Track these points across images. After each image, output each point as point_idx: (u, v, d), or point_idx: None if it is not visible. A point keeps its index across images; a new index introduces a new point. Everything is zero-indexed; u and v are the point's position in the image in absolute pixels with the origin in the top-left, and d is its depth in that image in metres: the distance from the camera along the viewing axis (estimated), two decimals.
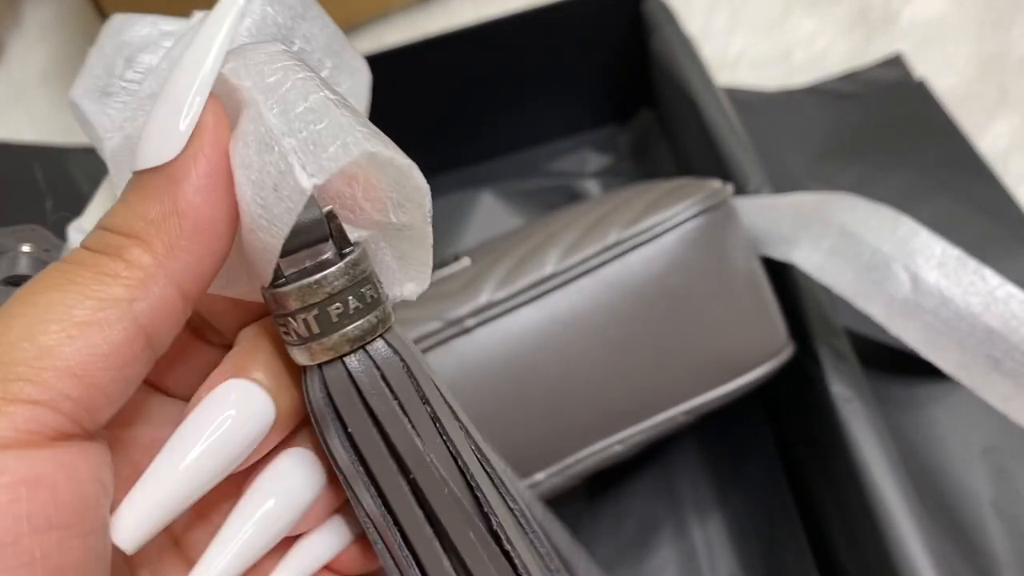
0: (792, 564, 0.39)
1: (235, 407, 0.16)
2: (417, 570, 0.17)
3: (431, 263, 0.18)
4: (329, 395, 0.17)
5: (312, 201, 0.16)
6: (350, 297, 0.16)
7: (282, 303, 0.16)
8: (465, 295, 0.33)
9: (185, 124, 0.15)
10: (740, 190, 0.39)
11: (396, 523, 0.17)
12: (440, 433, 0.17)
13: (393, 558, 0.17)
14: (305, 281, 0.16)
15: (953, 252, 0.32)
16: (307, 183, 0.15)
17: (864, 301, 0.33)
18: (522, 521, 0.17)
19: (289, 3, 0.18)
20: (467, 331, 0.33)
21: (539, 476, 0.34)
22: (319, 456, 0.18)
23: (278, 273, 0.16)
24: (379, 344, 0.17)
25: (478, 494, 0.17)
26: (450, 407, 0.18)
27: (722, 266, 0.34)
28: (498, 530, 0.17)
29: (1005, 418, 0.32)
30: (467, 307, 0.33)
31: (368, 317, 0.16)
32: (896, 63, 0.53)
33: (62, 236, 0.32)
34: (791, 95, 0.53)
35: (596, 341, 0.33)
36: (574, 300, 0.33)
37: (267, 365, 0.17)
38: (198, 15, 0.21)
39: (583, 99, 0.52)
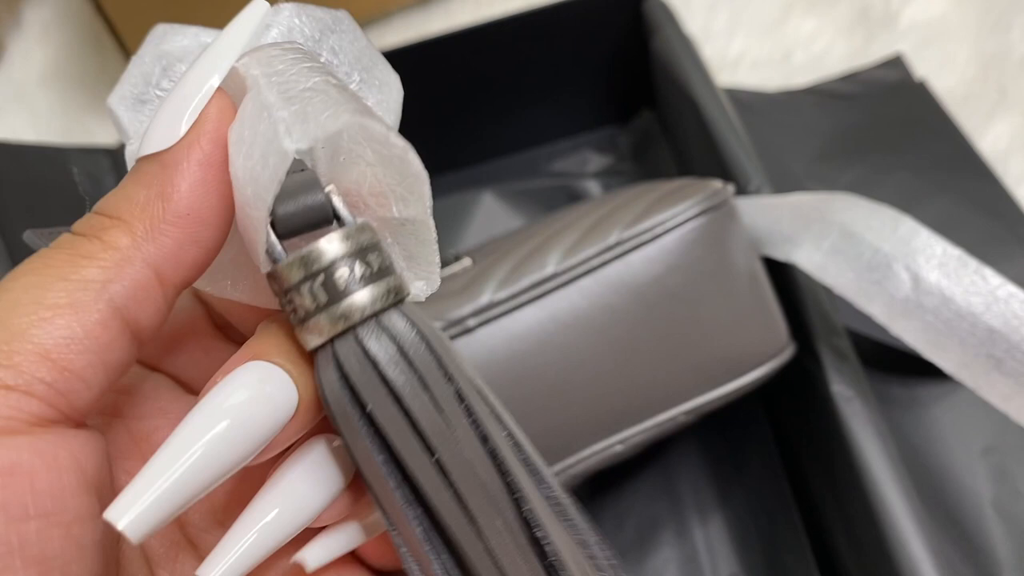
0: (792, 564, 0.39)
1: (255, 387, 0.15)
2: (448, 554, 0.16)
3: (439, 261, 0.17)
4: (344, 375, 0.15)
5: (314, 184, 0.16)
6: (356, 262, 0.15)
7: (285, 277, 0.15)
8: (466, 295, 0.33)
9: (188, 114, 0.16)
10: (741, 190, 0.39)
11: (426, 511, 0.16)
12: (466, 413, 0.16)
13: (415, 558, 0.16)
14: (307, 249, 0.15)
15: (954, 252, 0.32)
16: (289, 145, 0.14)
17: (865, 301, 0.33)
18: (556, 510, 0.16)
19: (319, 16, 0.18)
20: (469, 331, 0.33)
21: None
22: (337, 454, 0.17)
23: (279, 255, 0.15)
24: (395, 317, 0.16)
25: (508, 479, 0.16)
26: (476, 386, 0.16)
27: (723, 266, 0.34)
28: (528, 516, 0.16)
29: (1006, 418, 0.32)
30: (468, 307, 0.33)
31: (378, 283, 0.15)
32: (896, 64, 0.53)
33: None
34: (791, 96, 0.53)
35: (597, 341, 0.33)
36: (575, 300, 0.33)
37: (288, 352, 0.16)
38: None
39: (583, 99, 0.52)
